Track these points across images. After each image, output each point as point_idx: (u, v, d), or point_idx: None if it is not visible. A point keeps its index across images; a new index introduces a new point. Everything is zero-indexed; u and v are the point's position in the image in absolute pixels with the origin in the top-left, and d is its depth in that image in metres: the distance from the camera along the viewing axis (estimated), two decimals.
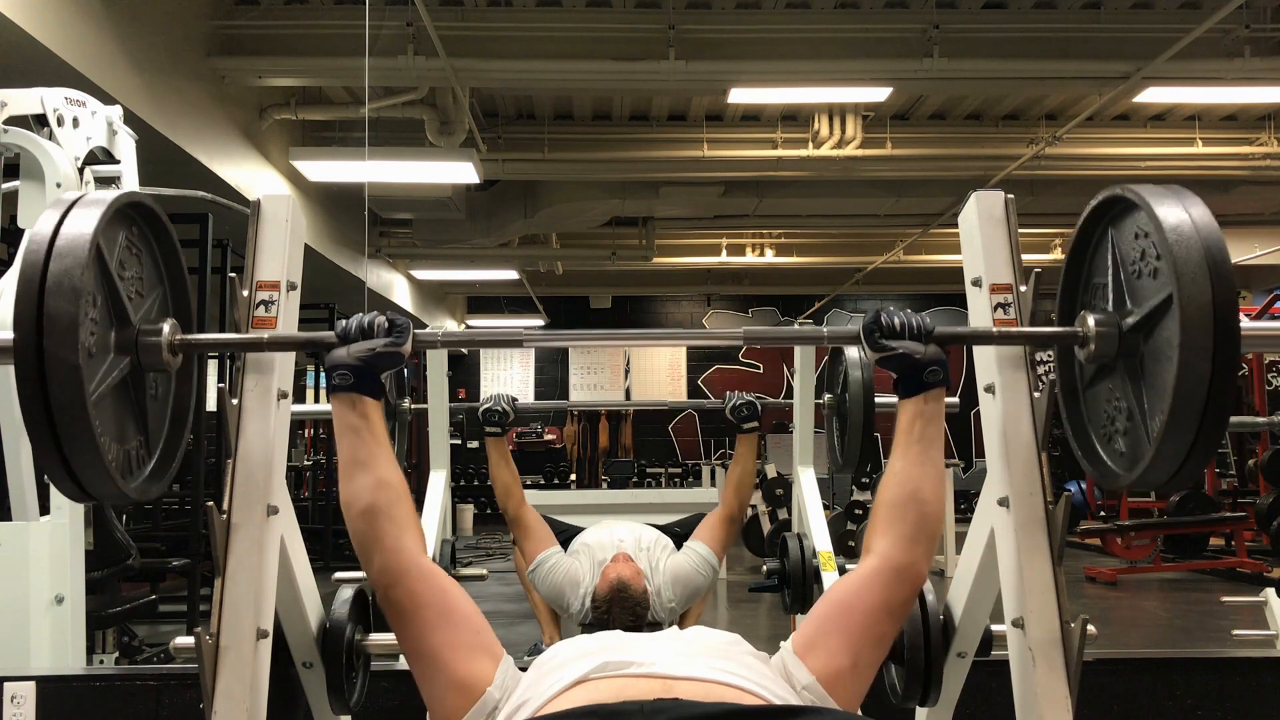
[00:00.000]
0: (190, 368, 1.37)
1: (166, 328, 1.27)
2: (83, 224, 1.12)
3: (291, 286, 1.46)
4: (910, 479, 1.34)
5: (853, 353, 2.59)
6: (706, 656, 1.23)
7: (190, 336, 1.32)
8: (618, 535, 2.80)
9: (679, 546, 2.93)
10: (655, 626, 2.56)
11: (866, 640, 1.29)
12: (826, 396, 2.80)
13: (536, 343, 1.44)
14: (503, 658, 1.30)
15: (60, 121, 2.37)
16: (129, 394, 1.25)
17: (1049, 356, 1.49)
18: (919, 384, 1.33)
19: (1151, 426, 1.16)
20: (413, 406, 2.95)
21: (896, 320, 1.31)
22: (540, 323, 13.36)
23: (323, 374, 1.34)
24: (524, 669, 1.34)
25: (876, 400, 2.45)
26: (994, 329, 1.37)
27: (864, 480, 7.91)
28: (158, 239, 1.33)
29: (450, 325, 12.60)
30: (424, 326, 6.98)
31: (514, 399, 2.87)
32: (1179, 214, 1.12)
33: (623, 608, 2.34)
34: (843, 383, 2.63)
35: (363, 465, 1.32)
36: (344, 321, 1.34)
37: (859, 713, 1.28)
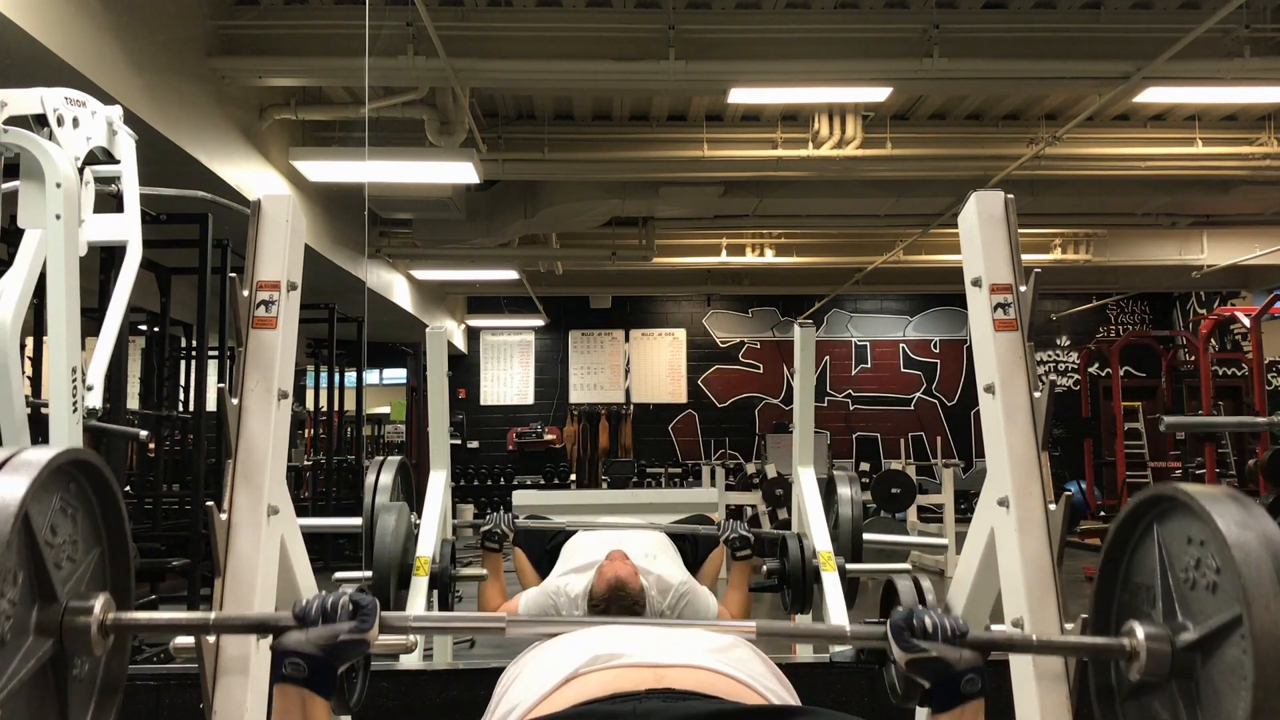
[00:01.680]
0: (124, 644, 1.18)
1: (98, 606, 1.07)
2: (10, 491, 0.94)
3: (292, 286, 1.46)
4: None
5: (845, 490, 2.77)
6: (697, 642, 1.23)
7: (125, 616, 1.11)
8: (617, 539, 2.78)
9: (685, 551, 2.94)
10: None
11: None
12: None
13: (516, 629, 1.31)
14: None
15: (60, 121, 2.36)
16: (48, 680, 1.05)
17: (1049, 356, 1.46)
18: (955, 695, 1.17)
19: None
20: (418, 521, 2.94)
21: (928, 620, 1.17)
22: (540, 323, 13.36)
23: (272, 654, 1.16)
24: None
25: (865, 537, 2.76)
26: (1033, 638, 1.25)
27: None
28: (99, 496, 1.15)
29: (450, 325, 12.60)
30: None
31: (515, 518, 2.93)
32: (1242, 527, 0.98)
33: (620, 606, 2.34)
34: (835, 518, 2.80)
35: None
36: (303, 602, 1.17)
37: None
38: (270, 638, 1.15)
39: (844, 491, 2.76)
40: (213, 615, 1.20)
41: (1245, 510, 1.00)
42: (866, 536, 2.80)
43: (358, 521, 2.71)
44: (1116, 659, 1.13)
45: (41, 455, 1.00)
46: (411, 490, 2.92)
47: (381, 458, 2.89)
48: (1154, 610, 1.12)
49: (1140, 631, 1.08)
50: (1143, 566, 1.16)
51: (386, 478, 2.70)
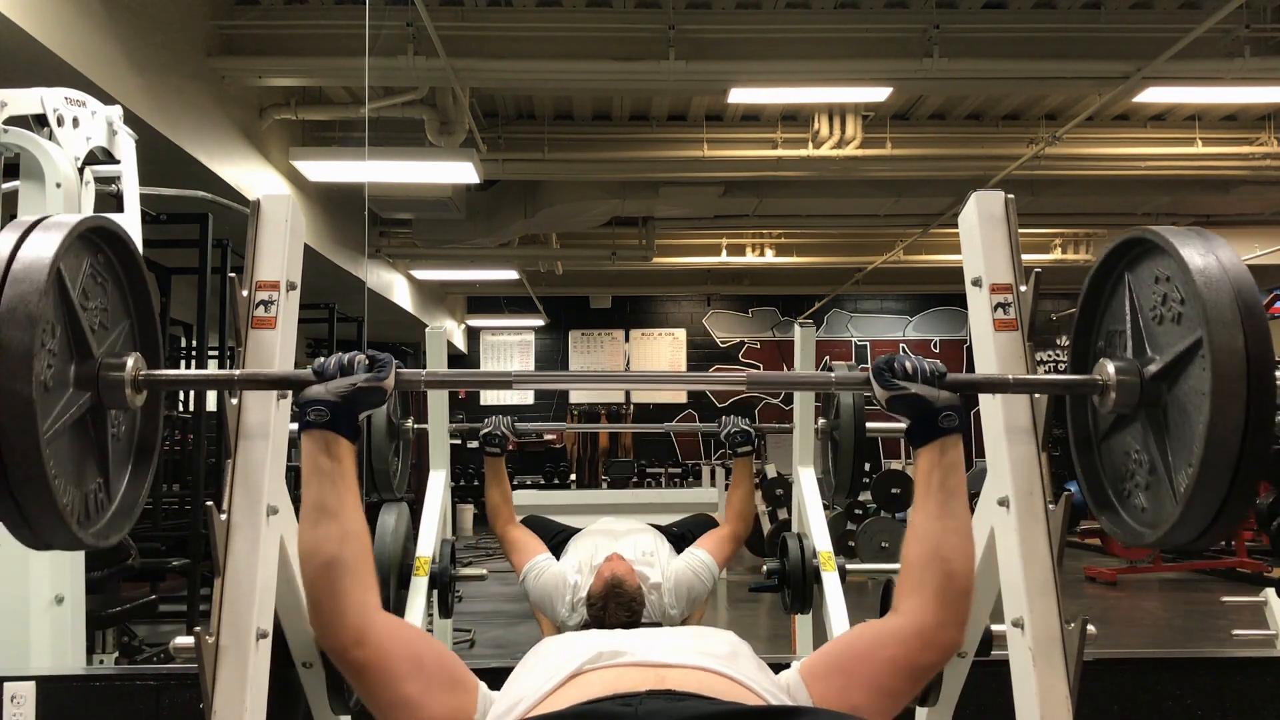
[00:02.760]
0: (155, 404, 1.29)
1: (130, 362, 1.17)
2: (42, 248, 1.03)
3: (291, 286, 1.46)
4: (931, 535, 1.25)
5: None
6: (698, 646, 1.24)
7: (156, 372, 1.22)
8: (613, 541, 2.79)
9: (679, 550, 2.93)
10: (653, 626, 2.56)
11: (875, 692, 1.23)
12: (820, 421, 2.86)
13: (525, 383, 1.39)
14: (478, 687, 1.28)
15: (60, 121, 2.37)
16: (88, 432, 1.15)
17: (1049, 356, 1.47)
18: (934, 429, 1.25)
19: (1177, 481, 1.09)
20: (415, 426, 2.95)
21: (908, 363, 1.26)
22: (540, 323, 13.37)
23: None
24: None
25: (868, 426, 2.60)
26: (1009, 376, 1.30)
27: (864, 480, 7.91)
28: (125, 268, 1.24)
29: (450, 325, 12.60)
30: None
31: (514, 421, 2.92)
32: (1204, 254, 1.05)
33: (618, 603, 2.34)
34: (835, 409, 2.74)
35: (331, 514, 1.22)
36: (321, 359, 1.25)
37: None
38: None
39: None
40: (238, 372, 1.30)
41: (1206, 241, 1.07)
42: (870, 425, 2.67)
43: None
44: (1090, 394, 1.22)
45: (69, 218, 1.08)
46: (407, 399, 2.93)
47: None
48: (1125, 352, 1.20)
49: (1111, 366, 1.17)
50: (1115, 315, 1.24)
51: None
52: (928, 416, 1.25)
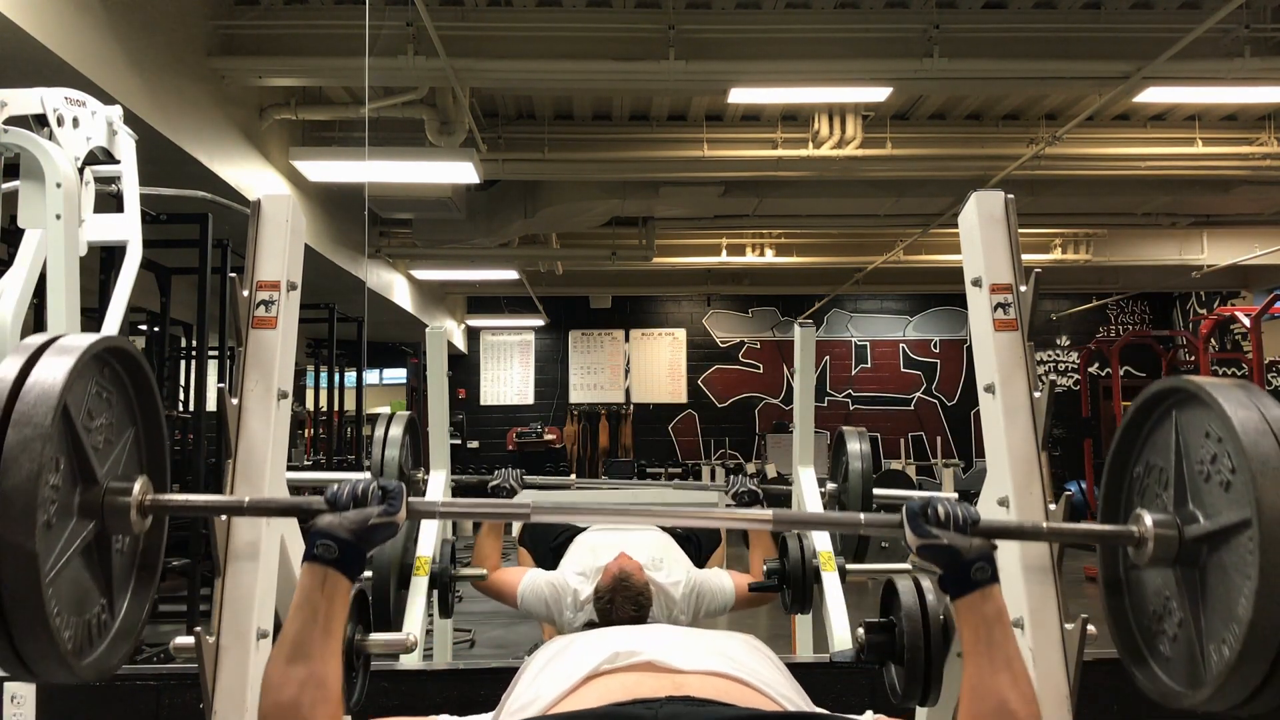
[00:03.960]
0: (161, 525, 1.25)
1: (137, 488, 1.13)
2: (49, 380, 0.98)
3: (292, 286, 1.46)
4: (991, 691, 1.19)
5: (854, 445, 2.78)
6: (715, 648, 1.25)
7: (163, 497, 1.18)
8: (620, 541, 2.78)
9: (689, 553, 2.94)
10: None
11: None
12: (830, 485, 2.92)
13: (540, 514, 1.36)
14: None
15: (60, 121, 2.37)
16: (92, 558, 1.11)
17: (1049, 356, 1.46)
18: (966, 581, 1.21)
19: (1209, 650, 1.06)
20: (424, 478, 2.96)
21: (941, 509, 1.22)
22: (540, 323, 13.37)
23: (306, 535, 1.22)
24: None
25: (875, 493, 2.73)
26: (1043, 525, 1.28)
27: None
28: (132, 377, 1.20)
29: (450, 324, 12.60)
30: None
31: (522, 475, 2.91)
32: (1259, 431, 1.00)
33: (625, 598, 2.34)
34: (844, 473, 2.79)
35: (305, 655, 1.17)
36: (334, 487, 1.23)
37: None
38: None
39: (853, 447, 2.78)
40: (247, 499, 1.27)
41: (1264, 410, 1.02)
42: (877, 491, 2.79)
43: (365, 477, 2.71)
44: (1125, 545, 1.18)
45: (80, 342, 1.05)
46: (419, 447, 2.92)
47: (390, 412, 2.86)
48: (1165, 493, 1.16)
49: (1149, 519, 1.12)
50: (1159, 450, 1.18)
51: (396, 430, 2.69)
52: (960, 568, 1.21)
